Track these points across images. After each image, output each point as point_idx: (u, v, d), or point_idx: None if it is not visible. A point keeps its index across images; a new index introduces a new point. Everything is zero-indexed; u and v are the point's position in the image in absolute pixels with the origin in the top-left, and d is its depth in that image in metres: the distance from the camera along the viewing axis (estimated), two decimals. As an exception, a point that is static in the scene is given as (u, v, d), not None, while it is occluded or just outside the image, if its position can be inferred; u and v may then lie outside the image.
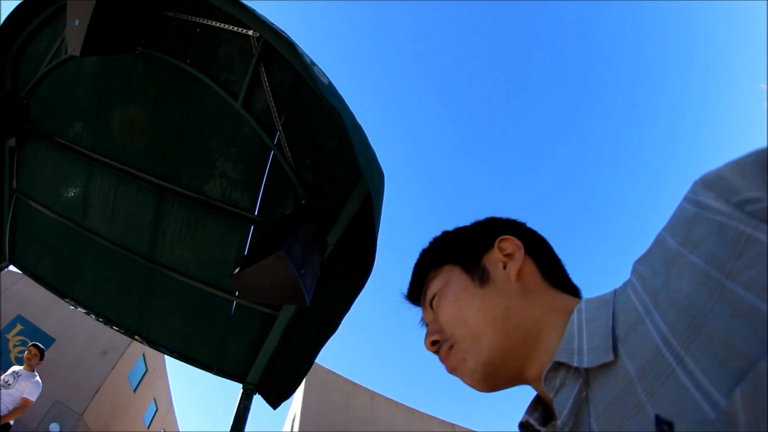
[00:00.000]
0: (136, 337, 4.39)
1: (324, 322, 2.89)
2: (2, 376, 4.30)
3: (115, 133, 3.17)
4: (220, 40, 2.37)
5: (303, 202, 2.31)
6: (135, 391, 18.20)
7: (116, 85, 2.96)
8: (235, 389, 3.67)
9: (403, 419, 18.74)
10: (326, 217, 2.29)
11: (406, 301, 0.88)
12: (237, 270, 2.16)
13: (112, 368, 16.09)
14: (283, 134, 2.25)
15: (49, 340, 15.75)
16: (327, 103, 1.72)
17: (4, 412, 3.96)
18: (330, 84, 1.84)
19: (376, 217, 1.90)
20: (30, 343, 4.77)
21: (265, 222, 2.66)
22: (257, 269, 2.07)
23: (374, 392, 19.15)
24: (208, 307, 3.62)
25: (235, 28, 2.25)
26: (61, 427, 13.94)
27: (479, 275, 0.72)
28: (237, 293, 3.30)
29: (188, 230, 3.16)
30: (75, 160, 3.55)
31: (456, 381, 0.71)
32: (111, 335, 15.87)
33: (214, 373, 4.10)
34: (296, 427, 16.63)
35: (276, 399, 3.72)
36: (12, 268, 4.75)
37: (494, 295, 0.68)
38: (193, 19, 2.37)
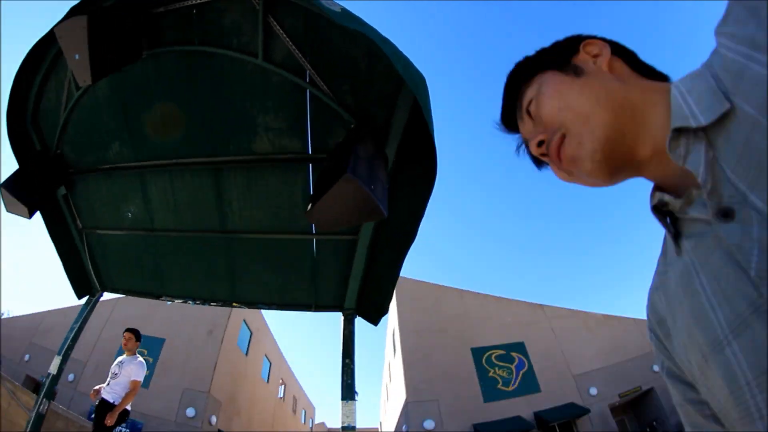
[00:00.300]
0: (234, 304, 4.92)
1: (403, 232, 3.13)
2: (110, 369, 4.53)
3: (151, 136, 3.39)
4: (221, 10, 2.47)
5: (352, 126, 2.52)
6: (247, 354, 20.20)
7: (135, 93, 3.11)
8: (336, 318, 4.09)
9: (493, 307, 20.15)
10: (379, 133, 2.50)
11: (501, 128, 0.88)
12: (309, 207, 2.30)
13: (221, 342, 17.84)
14: (313, 71, 2.42)
15: (159, 342, 17.71)
16: (348, 29, 1.82)
17: (118, 400, 4.18)
18: (343, 10, 1.93)
19: (428, 117, 1.99)
20: (124, 330, 4.84)
21: (321, 157, 2.91)
22: (328, 198, 2.21)
23: (462, 290, 20.45)
24: (291, 253, 4.01)
25: (230, -7, 2.34)
26: (195, 410, 15.95)
27: (573, 70, 0.72)
28: (314, 230, 3.66)
29: (251, 192, 3.46)
30: (124, 177, 3.84)
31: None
32: (211, 314, 17.27)
33: (314, 311, 4.57)
34: (397, 337, 18.16)
35: (375, 316, 4.08)
36: (105, 295, 5.26)
37: (593, 81, 0.69)
38: (185, 3, 2.46)
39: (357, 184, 2.15)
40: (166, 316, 18.63)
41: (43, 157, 3.62)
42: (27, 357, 21.44)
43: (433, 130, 2.07)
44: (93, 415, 4.50)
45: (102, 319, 18.43)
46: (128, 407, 4.31)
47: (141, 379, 4.32)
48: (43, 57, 2.89)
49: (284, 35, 2.37)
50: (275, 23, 2.36)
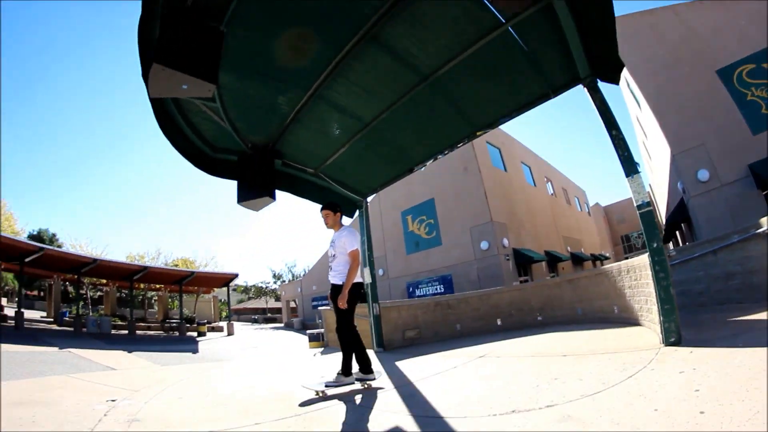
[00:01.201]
0: (478, 134, 4.95)
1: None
2: (328, 252, 4.25)
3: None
4: None
5: None
6: (505, 169, 20.88)
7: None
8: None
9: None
10: None
11: None
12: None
13: (479, 171, 18.65)
14: None
15: (430, 203, 20.89)
16: None
17: (343, 280, 3.81)
18: None
19: None
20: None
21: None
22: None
23: (679, 3, 15.09)
24: (497, 56, 3.69)
25: None
26: (488, 241, 17.87)
27: None
28: (502, 18, 3.23)
29: (418, 29, 3.34)
30: (309, 109, 4.27)
31: None
32: (457, 155, 17.50)
33: (554, 97, 4.23)
34: (634, 86, 15.30)
35: (612, 73, 3.70)
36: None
37: None
38: None
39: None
40: (423, 180, 20.54)
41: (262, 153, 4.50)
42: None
43: None
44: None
45: (375, 216, 22.10)
46: (360, 279, 4.00)
47: (356, 246, 3.94)
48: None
49: None
50: None
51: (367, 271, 6.32)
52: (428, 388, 3.45)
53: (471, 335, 7.35)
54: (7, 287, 35.61)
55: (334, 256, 4.04)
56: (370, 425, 2.63)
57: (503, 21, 3.25)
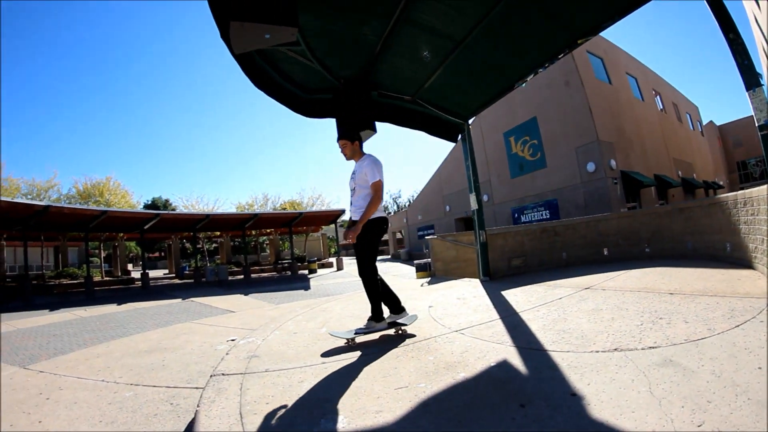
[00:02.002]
0: (578, 42, 4.32)
1: None
2: (349, 184, 3.82)
3: None
4: None
5: None
6: (610, 82, 18.61)
7: None
8: None
9: None
10: None
11: None
12: None
13: (582, 85, 16.86)
14: None
15: (533, 121, 19.48)
16: None
17: (360, 214, 3.43)
18: None
19: None
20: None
21: None
22: None
23: None
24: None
25: None
26: (594, 163, 16.38)
27: None
28: None
29: None
30: (398, 39, 4.12)
31: None
32: (556, 68, 16.42)
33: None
34: None
35: None
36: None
37: None
38: None
39: None
40: (524, 97, 19.14)
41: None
42: (447, 208, 27.81)
43: None
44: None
45: (477, 139, 21.41)
46: (380, 214, 3.56)
47: (378, 177, 3.47)
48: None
49: None
50: None
51: (473, 197, 6.23)
52: (533, 319, 3.47)
53: (577, 264, 7.08)
54: (131, 254, 41.26)
55: (354, 189, 3.64)
56: (475, 354, 2.71)
57: None
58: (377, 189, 3.48)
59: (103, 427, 2.55)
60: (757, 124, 3.02)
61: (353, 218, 3.58)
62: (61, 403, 3.01)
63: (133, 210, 30.61)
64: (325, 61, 4.27)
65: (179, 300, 12.00)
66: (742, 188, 19.08)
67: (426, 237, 10.92)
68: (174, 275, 27.79)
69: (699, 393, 1.73)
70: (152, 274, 24.38)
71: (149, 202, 43.92)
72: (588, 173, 16.80)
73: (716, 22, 3.20)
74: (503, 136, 21.59)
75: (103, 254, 29.32)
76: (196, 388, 3.06)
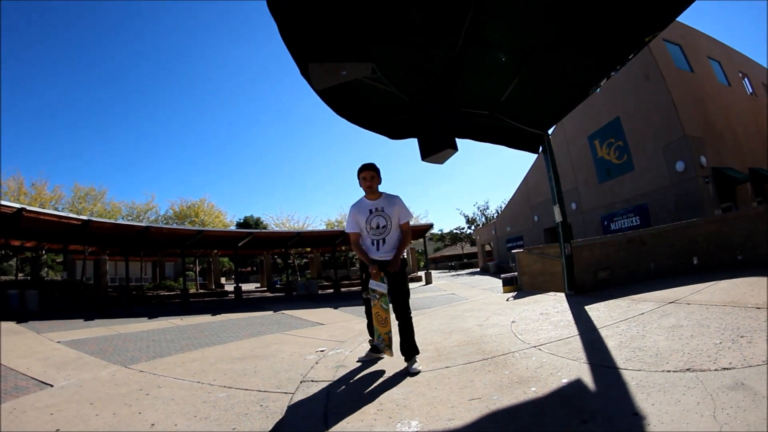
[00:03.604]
0: (646, 39, 4.13)
1: None
2: (370, 223, 3.48)
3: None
4: None
5: None
6: (692, 70, 17.08)
7: None
8: None
9: None
10: None
11: None
12: None
13: (663, 77, 15.78)
14: None
15: (616, 121, 18.47)
16: None
17: (393, 254, 3.43)
18: None
19: None
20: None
21: None
22: None
23: None
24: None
25: None
26: (683, 161, 15.07)
27: None
28: None
29: None
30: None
31: None
32: (637, 62, 15.65)
33: None
34: None
35: None
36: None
37: None
38: None
39: None
40: (604, 97, 18.07)
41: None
42: (536, 218, 26.70)
43: None
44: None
45: (560, 146, 20.34)
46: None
47: (410, 217, 3.56)
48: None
49: None
50: None
51: (557, 209, 6.19)
52: (611, 335, 3.49)
53: (665, 275, 6.74)
54: (224, 268, 44.40)
55: (385, 227, 3.44)
56: (549, 370, 2.84)
57: None
58: (408, 231, 3.56)
59: (197, 422, 2.77)
60: None
61: (382, 258, 3.45)
62: (160, 399, 3.30)
63: (227, 230, 33.21)
64: (402, 84, 4.48)
65: (271, 312, 12.52)
66: None
67: (513, 250, 10.74)
68: (266, 289, 29.51)
69: (764, 420, 1.72)
70: (245, 287, 26.12)
71: (241, 221, 47.02)
72: (677, 173, 15.46)
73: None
74: (587, 140, 20.60)
75: (197, 268, 32.27)
76: (285, 393, 3.27)
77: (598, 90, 5.24)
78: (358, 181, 3.52)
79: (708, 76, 17.84)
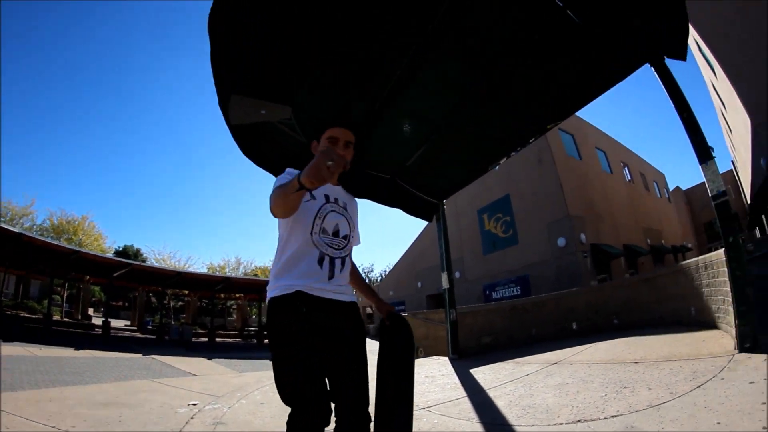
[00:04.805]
0: (548, 126, 4.73)
1: None
2: (317, 221, 1.92)
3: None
4: None
5: None
6: (580, 157, 19.62)
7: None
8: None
9: None
10: None
11: None
12: None
13: (554, 163, 17.80)
14: None
15: (505, 199, 20.37)
16: None
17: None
18: None
19: None
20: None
21: None
22: None
23: None
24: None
25: None
26: (564, 237, 17.08)
27: None
28: None
29: None
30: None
31: None
32: (533, 147, 16.77)
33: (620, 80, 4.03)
34: (705, 49, 13.41)
35: (677, 49, 3.49)
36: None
37: None
38: None
39: None
40: (498, 175, 19.59)
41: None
42: (419, 284, 27.47)
43: None
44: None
45: (451, 216, 21.13)
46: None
47: None
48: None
49: None
50: None
51: (445, 276, 6.24)
52: (500, 396, 3.53)
53: (547, 340, 7.11)
54: (93, 299, 39.52)
55: (346, 238, 1.83)
56: (442, 430, 2.78)
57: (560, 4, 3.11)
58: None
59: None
60: (710, 194, 3.36)
61: (337, 296, 1.76)
62: (3, 446, 2.76)
63: (105, 255, 29.53)
64: (312, 135, 4.31)
65: (140, 355, 11.65)
66: (709, 248, 19.71)
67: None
68: (136, 328, 26.53)
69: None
70: (114, 323, 23.33)
71: (120, 249, 42.42)
72: (559, 248, 17.34)
73: (672, 104, 3.56)
74: (477, 213, 22.38)
75: (65, 293, 27.95)
76: (154, 450, 2.84)
77: (497, 168, 5.64)
78: (310, 147, 2.01)
79: (594, 163, 20.77)
